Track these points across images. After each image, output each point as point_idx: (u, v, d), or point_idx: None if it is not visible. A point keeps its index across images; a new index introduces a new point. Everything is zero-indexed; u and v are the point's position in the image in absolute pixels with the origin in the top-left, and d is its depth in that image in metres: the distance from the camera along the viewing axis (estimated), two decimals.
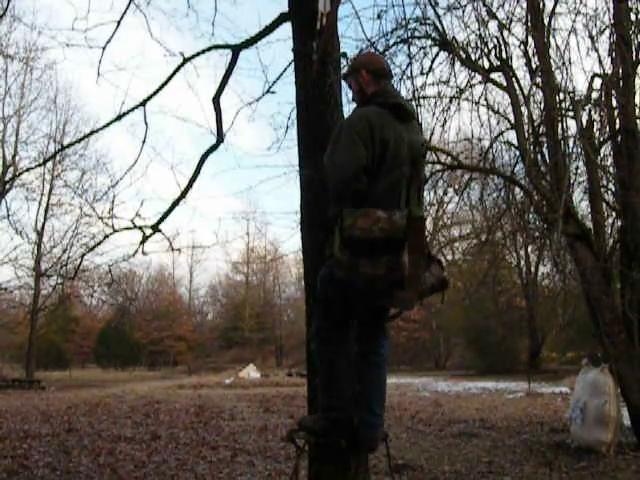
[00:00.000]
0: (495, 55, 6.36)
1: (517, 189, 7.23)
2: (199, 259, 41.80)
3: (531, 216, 7.51)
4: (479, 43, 6.21)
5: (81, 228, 23.70)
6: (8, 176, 21.45)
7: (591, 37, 5.79)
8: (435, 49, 6.06)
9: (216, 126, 4.24)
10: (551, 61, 6.06)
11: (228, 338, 38.91)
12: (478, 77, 6.40)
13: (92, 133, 6.00)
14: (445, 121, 6.35)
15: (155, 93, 4.59)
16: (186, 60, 4.39)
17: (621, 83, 5.91)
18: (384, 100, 2.44)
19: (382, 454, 4.00)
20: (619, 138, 6.20)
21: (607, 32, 5.95)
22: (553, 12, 6.13)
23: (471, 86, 6.47)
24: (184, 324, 37.39)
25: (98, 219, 5.70)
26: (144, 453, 5.88)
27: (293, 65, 3.09)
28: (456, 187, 8.14)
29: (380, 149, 2.33)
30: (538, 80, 6.23)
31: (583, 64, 13.23)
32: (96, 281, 25.69)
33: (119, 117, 4.69)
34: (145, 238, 5.01)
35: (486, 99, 6.66)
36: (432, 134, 6.33)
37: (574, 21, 6.44)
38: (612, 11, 5.98)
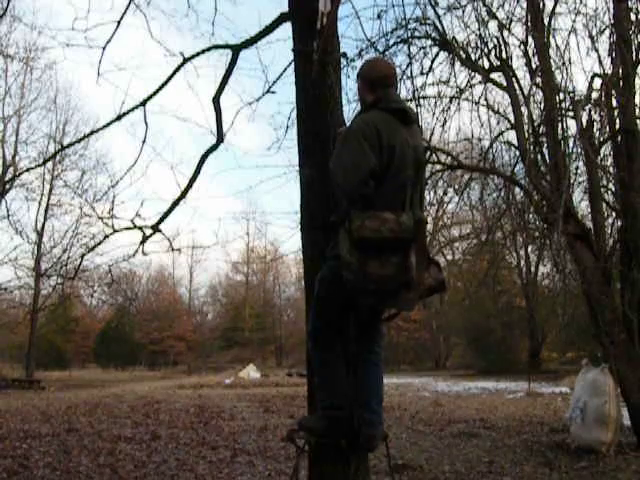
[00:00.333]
0: (495, 55, 6.36)
1: (517, 189, 7.24)
2: (199, 259, 41.73)
3: (531, 216, 7.52)
4: (479, 43, 6.22)
5: (81, 228, 23.63)
6: (8, 176, 21.41)
7: (591, 37, 5.79)
8: (435, 49, 6.08)
9: (216, 126, 4.24)
10: (551, 61, 6.07)
11: (228, 338, 38.89)
12: (478, 77, 6.41)
13: (92, 133, 6.01)
14: (445, 121, 6.37)
15: (155, 93, 4.58)
16: (186, 60, 4.39)
17: (621, 83, 5.91)
18: (387, 105, 2.46)
19: (382, 454, 4.00)
20: (619, 138, 6.20)
21: (607, 32, 5.96)
22: (553, 12, 6.13)
23: (471, 86, 6.48)
24: (184, 324, 37.35)
25: (98, 219, 5.70)
26: (144, 453, 5.88)
27: (293, 65, 3.09)
28: (456, 187, 8.15)
29: (388, 155, 2.36)
30: (538, 80, 6.24)
31: (583, 64, 13.29)
32: (96, 281, 25.62)
33: (119, 117, 4.69)
34: (145, 238, 5.00)
35: (486, 99, 6.68)
36: (432, 134, 6.34)
37: (574, 21, 6.46)
38: (612, 11, 5.99)
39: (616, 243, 6.34)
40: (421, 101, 5.84)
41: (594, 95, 6.07)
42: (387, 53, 5.43)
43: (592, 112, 6.23)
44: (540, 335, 21.56)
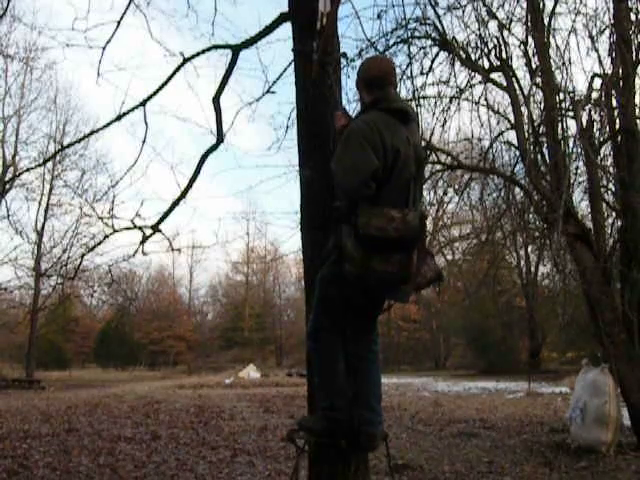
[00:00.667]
0: (495, 55, 6.36)
1: (517, 189, 7.24)
2: (199, 259, 41.69)
3: (531, 216, 7.52)
4: (479, 43, 6.22)
5: (81, 228, 23.64)
6: (8, 176, 21.41)
7: (591, 37, 5.79)
8: (435, 49, 6.08)
9: (216, 126, 4.25)
10: (551, 61, 6.07)
11: (228, 338, 38.89)
12: (478, 77, 6.41)
13: (92, 133, 6.01)
14: (445, 121, 6.37)
15: (155, 93, 4.59)
16: (186, 60, 4.39)
17: (621, 83, 5.90)
18: (387, 105, 2.46)
19: (382, 454, 4.00)
20: (619, 138, 6.20)
21: (607, 32, 5.96)
22: (553, 12, 6.13)
23: (471, 86, 6.48)
24: (184, 324, 37.35)
25: (98, 219, 5.71)
26: (144, 453, 5.88)
27: (293, 65, 3.10)
28: (456, 187, 8.15)
29: (393, 157, 2.37)
30: (538, 80, 6.23)
31: (583, 64, 13.28)
32: (96, 281, 25.60)
33: (119, 117, 4.69)
34: (145, 238, 5.01)
35: (486, 99, 6.67)
36: (432, 134, 6.34)
37: (574, 21, 6.46)
38: (612, 11, 5.99)
39: (616, 243, 6.34)
40: (421, 101, 5.86)
41: (594, 95, 6.06)
42: (387, 53, 5.44)
43: (592, 112, 6.23)
44: (540, 335, 21.54)
